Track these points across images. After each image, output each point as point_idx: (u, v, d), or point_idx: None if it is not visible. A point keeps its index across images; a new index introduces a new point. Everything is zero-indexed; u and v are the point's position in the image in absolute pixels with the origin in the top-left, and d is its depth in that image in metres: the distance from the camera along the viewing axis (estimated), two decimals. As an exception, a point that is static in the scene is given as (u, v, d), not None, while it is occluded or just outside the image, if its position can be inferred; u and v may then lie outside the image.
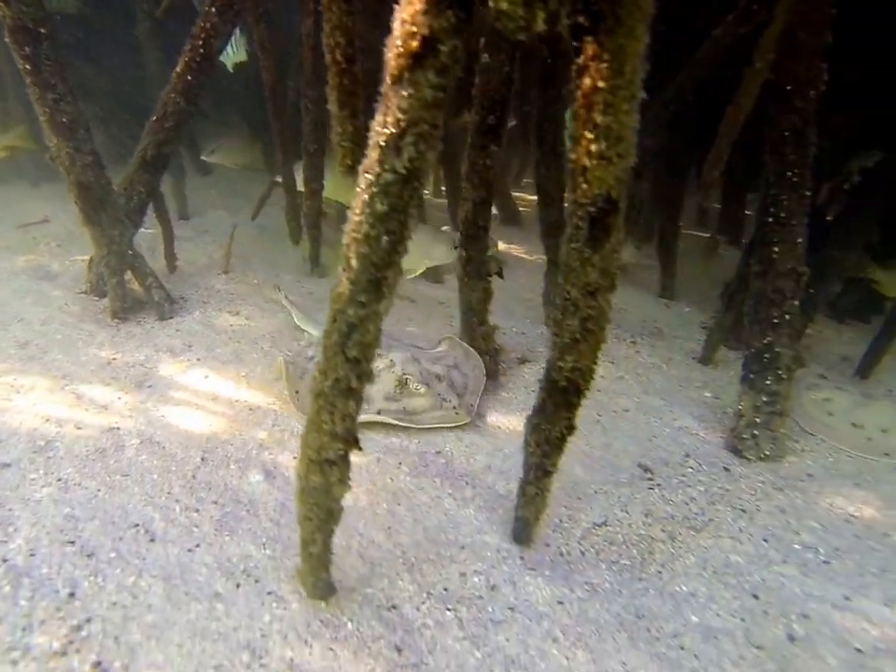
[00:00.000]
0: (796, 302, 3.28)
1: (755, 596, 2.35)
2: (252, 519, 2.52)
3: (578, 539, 2.60)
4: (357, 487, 2.79)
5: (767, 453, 3.26)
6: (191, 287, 4.70)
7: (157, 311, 4.12)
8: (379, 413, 3.09)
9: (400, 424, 3.09)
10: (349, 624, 2.07)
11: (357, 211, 1.40)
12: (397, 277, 1.48)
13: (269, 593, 2.16)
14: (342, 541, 2.45)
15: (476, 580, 2.33)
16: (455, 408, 3.18)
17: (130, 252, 3.98)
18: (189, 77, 4.06)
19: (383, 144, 1.30)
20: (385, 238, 1.39)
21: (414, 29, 1.21)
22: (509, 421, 3.38)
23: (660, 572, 2.45)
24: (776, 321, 3.29)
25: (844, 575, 2.48)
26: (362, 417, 2.68)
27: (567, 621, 2.18)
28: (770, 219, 3.28)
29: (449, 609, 2.19)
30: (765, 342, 3.30)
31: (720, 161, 3.21)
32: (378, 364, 3.16)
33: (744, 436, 3.30)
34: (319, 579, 2.03)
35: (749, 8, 3.53)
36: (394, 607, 2.18)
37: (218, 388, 3.41)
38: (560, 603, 2.25)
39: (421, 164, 1.33)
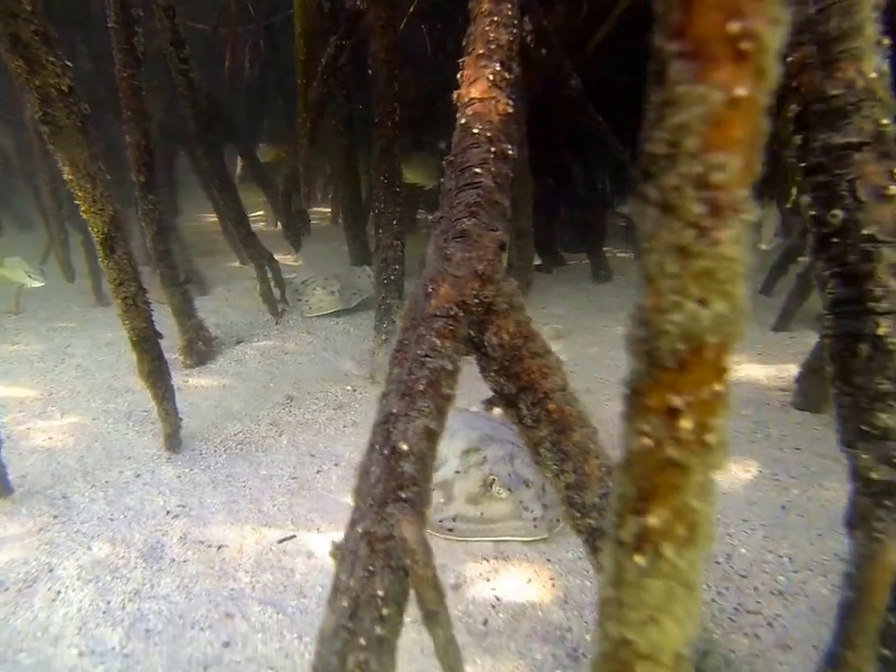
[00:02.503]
0: (399, 267, 4.72)
1: (311, 455, 3.72)
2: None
3: (216, 444, 3.91)
4: (69, 438, 4.00)
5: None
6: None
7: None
8: (455, 519, 2.95)
9: (469, 540, 2.91)
10: (24, 510, 3.28)
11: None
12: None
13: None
14: (42, 468, 3.66)
15: (128, 472, 3.60)
16: (535, 520, 2.91)
17: None
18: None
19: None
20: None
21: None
22: (208, 381, 4.67)
23: (259, 453, 3.78)
24: (386, 281, 4.72)
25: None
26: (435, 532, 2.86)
27: (178, 485, 3.48)
28: (376, 210, 4.72)
29: (102, 491, 3.44)
30: (382, 297, 4.73)
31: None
32: (470, 459, 3.13)
33: (372, 367, 4.72)
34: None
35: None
36: (64, 497, 3.41)
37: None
38: (178, 477, 3.55)
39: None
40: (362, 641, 1.55)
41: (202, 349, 5.01)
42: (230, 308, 6.01)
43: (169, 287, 4.76)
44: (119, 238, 3.08)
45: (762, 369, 4.53)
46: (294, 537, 3.04)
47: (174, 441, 3.80)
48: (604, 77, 6.16)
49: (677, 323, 0.79)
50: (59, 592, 2.72)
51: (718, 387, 0.82)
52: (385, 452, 1.77)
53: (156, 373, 3.54)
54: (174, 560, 2.93)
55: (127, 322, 3.35)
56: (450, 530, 2.92)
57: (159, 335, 3.55)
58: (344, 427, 4.05)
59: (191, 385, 4.65)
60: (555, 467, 2.04)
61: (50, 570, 2.85)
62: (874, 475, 1.61)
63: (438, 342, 1.92)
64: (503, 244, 2.21)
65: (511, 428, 3.32)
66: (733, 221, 0.73)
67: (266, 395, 4.50)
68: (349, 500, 1.62)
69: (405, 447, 1.75)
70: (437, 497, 2.99)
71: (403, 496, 1.74)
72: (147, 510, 3.28)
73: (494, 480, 2.98)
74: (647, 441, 0.86)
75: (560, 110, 5.84)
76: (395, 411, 1.82)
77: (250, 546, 2.98)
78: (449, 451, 3.20)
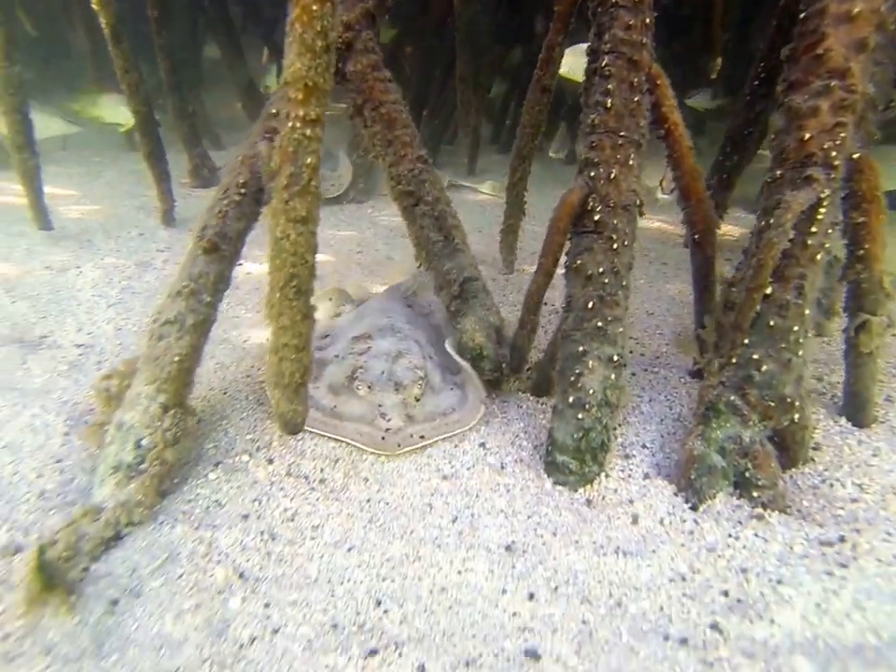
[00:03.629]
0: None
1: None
2: None
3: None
4: (95, 215, 5.20)
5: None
6: None
7: None
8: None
9: (308, 429, 2.51)
10: (61, 244, 4.55)
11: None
12: None
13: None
14: (74, 226, 4.87)
15: (134, 233, 4.89)
16: (386, 431, 2.47)
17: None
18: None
19: None
20: None
21: None
22: (206, 193, 5.81)
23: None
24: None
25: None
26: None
27: (168, 239, 4.73)
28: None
29: (114, 240, 4.72)
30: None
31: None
32: (355, 346, 2.78)
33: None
34: None
35: None
36: (88, 240, 4.70)
37: None
38: (169, 236, 4.82)
39: None
40: (225, 202, 2.65)
41: (206, 175, 6.15)
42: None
43: (178, 117, 5.86)
44: (123, 32, 4.20)
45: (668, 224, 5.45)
46: (242, 264, 4.18)
47: (169, 217, 5.02)
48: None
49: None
50: (81, 272, 4.03)
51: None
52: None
53: (154, 156, 4.73)
54: (156, 268, 4.20)
55: (131, 106, 4.50)
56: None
57: (157, 124, 4.67)
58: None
59: (193, 195, 5.83)
60: (382, 151, 3.10)
61: (77, 266, 4.13)
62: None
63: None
64: (367, 10, 3.18)
65: (435, 325, 3.26)
66: None
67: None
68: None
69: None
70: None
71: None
72: (144, 248, 4.57)
73: (359, 373, 2.61)
74: None
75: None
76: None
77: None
78: (347, 333, 2.97)
